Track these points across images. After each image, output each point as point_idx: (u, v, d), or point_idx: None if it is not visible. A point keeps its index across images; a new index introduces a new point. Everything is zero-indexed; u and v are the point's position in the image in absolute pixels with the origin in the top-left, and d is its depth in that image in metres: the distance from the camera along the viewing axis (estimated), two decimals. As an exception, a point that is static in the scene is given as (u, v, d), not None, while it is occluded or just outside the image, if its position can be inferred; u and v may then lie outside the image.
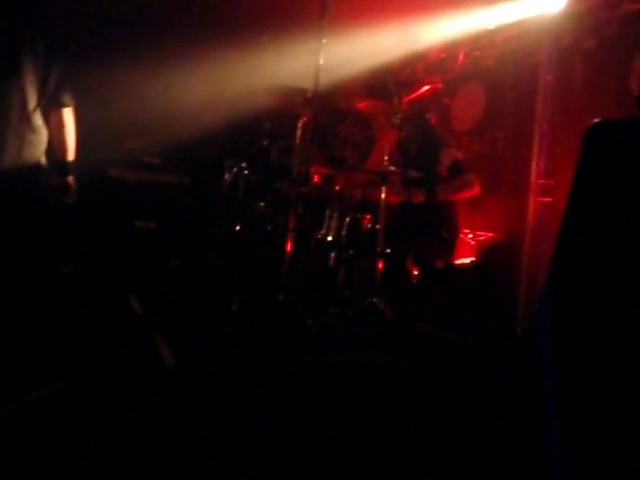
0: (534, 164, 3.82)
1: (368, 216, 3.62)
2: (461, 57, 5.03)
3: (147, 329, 3.14)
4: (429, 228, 3.84)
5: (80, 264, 4.22)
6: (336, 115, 4.32)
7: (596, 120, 1.07)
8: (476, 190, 3.92)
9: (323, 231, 3.61)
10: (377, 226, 3.45)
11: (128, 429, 1.95)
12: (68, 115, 2.68)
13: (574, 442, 0.99)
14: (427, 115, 4.02)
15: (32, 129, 2.56)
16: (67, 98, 2.66)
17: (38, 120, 2.58)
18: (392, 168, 3.49)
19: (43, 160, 2.67)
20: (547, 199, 3.83)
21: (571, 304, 0.97)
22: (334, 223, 3.60)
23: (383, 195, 3.43)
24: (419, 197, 3.75)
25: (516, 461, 1.29)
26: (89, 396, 2.18)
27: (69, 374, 2.37)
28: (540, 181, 3.81)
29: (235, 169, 3.98)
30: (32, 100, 2.53)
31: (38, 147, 2.63)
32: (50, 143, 2.68)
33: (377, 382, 2.48)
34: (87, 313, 3.28)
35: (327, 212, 3.64)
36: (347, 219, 3.59)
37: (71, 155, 2.75)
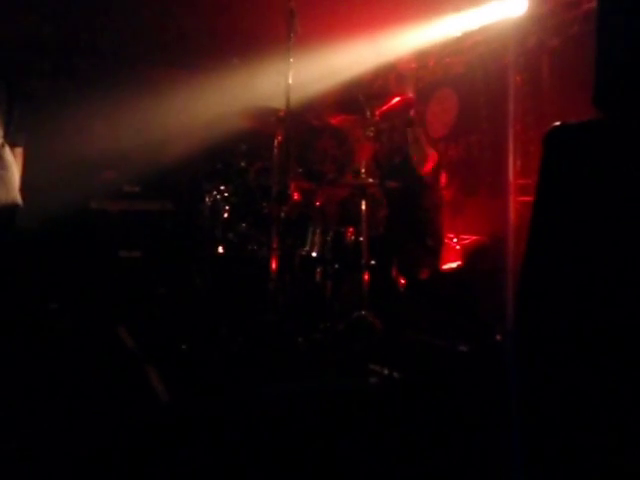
0: (510, 165, 3.85)
1: (351, 229, 3.63)
2: (431, 65, 5.10)
3: (138, 362, 3.10)
4: (413, 237, 3.86)
5: (66, 300, 4.18)
6: (311, 131, 4.35)
7: (555, 124, 1.09)
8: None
9: (307, 247, 3.60)
10: (361, 238, 3.46)
11: (123, 468, 1.93)
12: (18, 155, 2.74)
13: (539, 449, 1.00)
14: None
15: (2, 165, 2.59)
16: (20, 138, 2.72)
17: (8, 156, 2.61)
18: (370, 180, 3.51)
19: (19, 199, 2.66)
20: (526, 198, 3.86)
21: (540, 310, 0.98)
22: (317, 238, 3.59)
23: (364, 207, 3.44)
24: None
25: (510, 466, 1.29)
26: (83, 436, 2.15)
27: (60, 409, 2.33)
28: (518, 181, 3.85)
29: (215, 192, 3.97)
30: None
31: (12, 184, 2.63)
32: None
33: (372, 397, 2.47)
34: (76, 349, 3.23)
35: (310, 228, 3.64)
36: (330, 233, 3.60)
37: None
